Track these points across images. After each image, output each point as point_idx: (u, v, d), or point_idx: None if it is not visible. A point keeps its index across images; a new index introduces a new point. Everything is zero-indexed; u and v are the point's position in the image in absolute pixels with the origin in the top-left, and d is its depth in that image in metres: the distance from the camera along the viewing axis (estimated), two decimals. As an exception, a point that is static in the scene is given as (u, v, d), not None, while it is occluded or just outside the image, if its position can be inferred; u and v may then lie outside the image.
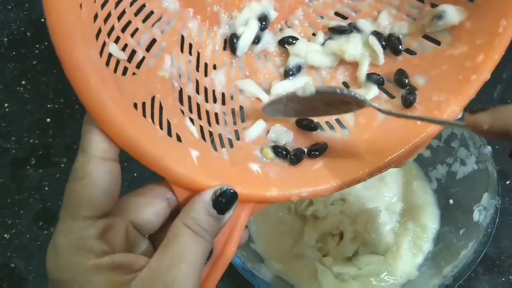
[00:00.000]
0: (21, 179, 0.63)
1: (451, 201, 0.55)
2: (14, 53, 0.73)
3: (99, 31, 0.28)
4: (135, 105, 0.29)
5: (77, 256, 0.26)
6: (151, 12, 0.34)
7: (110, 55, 0.29)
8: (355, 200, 0.56)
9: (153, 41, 0.34)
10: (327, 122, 0.40)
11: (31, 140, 0.66)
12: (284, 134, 0.39)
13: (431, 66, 0.38)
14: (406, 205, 0.57)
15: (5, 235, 0.59)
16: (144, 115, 0.30)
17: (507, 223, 0.59)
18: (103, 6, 0.29)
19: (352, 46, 0.39)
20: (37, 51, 0.73)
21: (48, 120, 0.67)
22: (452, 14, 0.37)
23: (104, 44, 0.29)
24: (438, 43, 0.38)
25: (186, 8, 0.37)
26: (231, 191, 0.29)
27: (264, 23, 0.40)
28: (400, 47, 0.39)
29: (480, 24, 0.36)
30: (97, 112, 0.26)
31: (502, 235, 0.58)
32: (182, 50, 0.37)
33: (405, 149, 0.35)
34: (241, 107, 0.40)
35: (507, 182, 0.61)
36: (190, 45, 0.37)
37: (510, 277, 0.57)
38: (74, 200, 0.26)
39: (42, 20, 0.76)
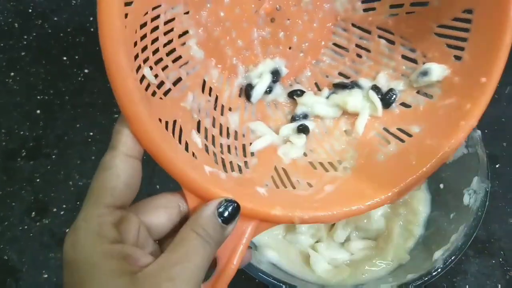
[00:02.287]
0: (12, 171, 0.63)
1: (441, 186, 0.55)
2: (1, 44, 0.72)
3: (137, 55, 0.33)
4: (160, 120, 0.33)
5: (93, 239, 0.28)
6: (180, 56, 0.40)
7: (143, 76, 0.33)
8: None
9: (179, 79, 0.39)
10: (330, 163, 0.43)
11: (22, 132, 0.65)
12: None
13: (424, 116, 0.42)
14: (397, 191, 0.57)
15: (-2, 228, 0.59)
16: (167, 129, 0.34)
17: (497, 207, 0.60)
18: (141, 39, 0.34)
19: (353, 99, 0.44)
20: (25, 42, 0.72)
21: (38, 111, 0.67)
22: (436, 71, 0.42)
23: (139, 66, 0.33)
24: (430, 96, 0.43)
25: (210, 58, 0.43)
26: (235, 203, 0.32)
27: (276, 77, 0.46)
28: (392, 102, 0.44)
29: (466, 79, 0.41)
30: (132, 117, 0.30)
31: (492, 218, 0.59)
32: (203, 91, 0.42)
33: (402, 185, 0.38)
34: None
35: (497, 166, 0.62)
36: (210, 88, 0.42)
37: (500, 259, 0.58)
38: (98, 188, 0.29)
39: (30, 10, 0.75)
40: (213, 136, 0.40)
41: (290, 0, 0.46)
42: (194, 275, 0.28)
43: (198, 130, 0.39)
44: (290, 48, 0.47)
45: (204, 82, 0.42)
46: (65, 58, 0.71)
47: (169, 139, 0.33)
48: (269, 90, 0.46)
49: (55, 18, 0.74)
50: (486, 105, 0.39)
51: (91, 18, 0.74)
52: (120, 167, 0.30)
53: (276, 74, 0.46)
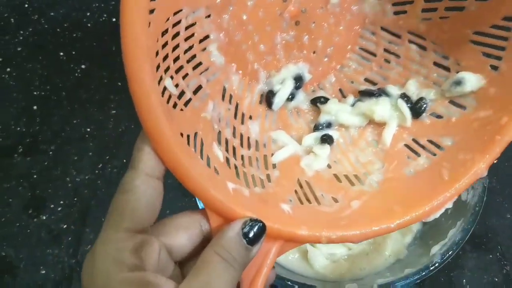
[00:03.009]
0: (9, 168, 0.62)
1: (439, 181, 0.55)
2: (-3, 40, 0.71)
3: (158, 65, 0.31)
4: (181, 135, 0.32)
5: (112, 266, 0.26)
6: (200, 63, 0.38)
7: (165, 88, 0.32)
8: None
9: (199, 87, 0.38)
10: (355, 176, 0.41)
11: (18, 128, 0.65)
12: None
13: (457, 128, 0.40)
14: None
15: (-5, 224, 0.59)
16: (188, 144, 0.32)
17: (495, 202, 0.60)
18: (163, 46, 0.32)
19: (381, 107, 0.42)
20: (21, 38, 0.72)
21: (35, 107, 0.66)
22: (471, 81, 0.39)
23: (161, 78, 0.31)
24: (464, 107, 0.40)
25: (230, 64, 0.42)
26: (261, 223, 0.30)
27: (298, 83, 0.44)
28: (422, 112, 0.41)
29: (503, 90, 0.38)
30: (155, 134, 0.28)
31: (490, 213, 0.59)
32: (223, 99, 0.40)
33: (433, 203, 0.36)
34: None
35: (495, 161, 0.62)
36: (230, 96, 0.41)
37: (497, 254, 0.58)
38: (118, 211, 0.28)
39: (26, 5, 0.74)
40: (234, 148, 0.39)
41: (316, 2, 0.44)
42: None
43: (219, 142, 0.37)
44: (314, 52, 0.45)
45: (224, 89, 0.41)
46: (62, 53, 0.70)
47: (191, 155, 0.32)
48: (291, 97, 0.44)
49: (52, 13, 0.74)
50: None
51: (88, 13, 0.73)
52: (141, 189, 0.28)
53: (299, 80, 0.44)
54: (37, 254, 0.58)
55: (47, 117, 0.66)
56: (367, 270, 0.52)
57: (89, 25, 0.73)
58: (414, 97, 0.42)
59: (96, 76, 0.68)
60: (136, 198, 0.28)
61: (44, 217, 0.60)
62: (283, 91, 0.44)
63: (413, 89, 0.42)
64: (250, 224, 0.30)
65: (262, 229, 0.30)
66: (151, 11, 0.29)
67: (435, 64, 0.43)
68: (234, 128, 0.40)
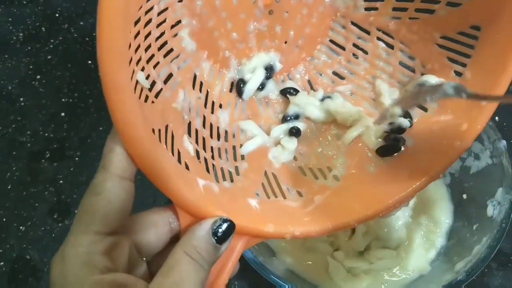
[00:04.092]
0: (36, 172, 0.64)
1: (464, 196, 0.54)
2: (29, 47, 0.73)
3: (131, 59, 0.30)
4: (153, 131, 0.31)
5: (83, 269, 0.26)
6: (171, 49, 0.38)
7: (137, 82, 0.31)
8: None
9: (170, 75, 0.37)
10: (319, 169, 0.42)
11: (46, 134, 0.66)
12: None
13: (418, 130, 0.41)
14: (419, 200, 0.56)
15: (21, 228, 0.60)
16: (160, 140, 0.32)
17: (522, 219, 0.59)
18: (135, 37, 0.31)
19: (347, 112, 0.43)
20: (51, 46, 0.73)
21: (63, 114, 0.68)
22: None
23: (133, 71, 0.31)
24: (425, 110, 0.41)
25: (202, 50, 0.41)
26: (230, 222, 0.31)
27: (269, 72, 0.44)
28: (398, 150, 0.41)
29: None
30: (126, 132, 0.27)
31: (517, 230, 0.57)
32: (193, 87, 0.40)
33: (391, 201, 0.37)
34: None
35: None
36: (201, 84, 0.41)
37: (525, 273, 0.56)
38: (88, 214, 0.28)
39: (57, 15, 0.76)
40: (203, 139, 0.39)
41: None
42: None
43: (189, 134, 0.37)
44: (286, 42, 0.45)
45: (195, 77, 0.40)
46: (90, 61, 0.72)
47: (163, 154, 0.32)
48: (261, 87, 0.44)
49: (81, 23, 0.76)
50: (483, 128, 0.38)
51: (116, 23, 0.75)
52: (112, 192, 0.28)
53: (269, 70, 0.44)
54: (60, 258, 0.59)
55: (74, 123, 0.67)
56: (389, 286, 0.51)
57: (117, 34, 0.74)
58: (386, 99, 0.43)
59: (122, 85, 0.69)
60: (107, 201, 0.28)
61: (69, 222, 0.61)
62: (254, 80, 0.43)
63: (384, 88, 0.43)
64: (220, 223, 0.30)
65: (231, 228, 0.31)
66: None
67: (401, 63, 0.44)
68: (204, 117, 0.40)
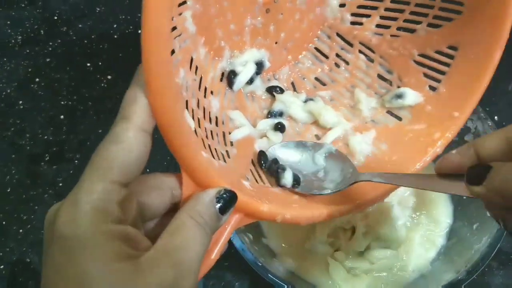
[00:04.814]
0: (36, 175, 0.64)
1: (464, 196, 0.54)
2: (28, 50, 0.73)
3: None
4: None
5: (96, 216, 0.25)
6: (175, 27, 0.38)
7: None
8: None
9: (172, 51, 0.37)
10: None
11: (45, 137, 0.66)
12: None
13: (393, 136, 0.44)
14: (419, 200, 0.56)
15: (21, 230, 0.60)
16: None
17: (522, 218, 0.58)
18: None
19: (328, 114, 0.46)
20: (50, 49, 0.73)
21: (62, 117, 0.68)
22: (411, 96, 0.44)
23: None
24: (399, 118, 0.45)
25: (200, 35, 0.42)
26: (233, 194, 0.31)
27: (259, 69, 0.46)
28: None
29: (439, 109, 0.43)
30: (155, 83, 0.27)
31: (517, 229, 0.57)
32: (190, 69, 0.40)
33: (362, 202, 0.40)
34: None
35: None
36: (196, 67, 0.41)
37: (525, 272, 0.56)
38: (106, 161, 0.27)
39: (55, 17, 0.77)
40: (198, 119, 0.39)
41: None
42: (195, 261, 0.27)
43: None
44: (276, 43, 0.47)
45: (192, 59, 0.41)
46: (88, 64, 0.72)
47: (181, 114, 0.32)
48: (250, 81, 0.46)
49: (80, 25, 0.76)
50: (453, 137, 0.42)
51: (115, 25, 0.75)
52: (133, 142, 0.27)
53: (260, 66, 0.46)
54: (61, 261, 0.59)
55: (73, 126, 0.67)
56: (390, 286, 0.51)
57: (115, 36, 0.74)
58: (364, 108, 0.46)
59: (121, 87, 0.68)
60: (128, 151, 0.27)
61: (69, 225, 0.61)
62: (246, 73, 0.45)
63: (362, 97, 0.46)
64: (224, 193, 0.31)
65: (234, 199, 0.31)
66: None
67: (379, 76, 0.47)
68: (198, 100, 0.40)
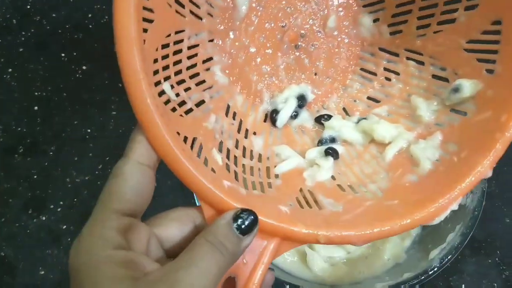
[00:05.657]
0: (9, 168, 0.63)
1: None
2: (0, 40, 0.72)
3: (157, 71, 0.32)
4: (178, 133, 0.32)
5: (96, 243, 0.27)
6: (204, 81, 0.39)
7: (163, 91, 0.32)
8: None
9: (202, 101, 0.38)
10: (359, 186, 0.40)
11: (19, 128, 0.65)
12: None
13: (460, 133, 0.40)
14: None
15: (-5, 224, 0.59)
16: (185, 142, 0.33)
17: (494, 206, 0.60)
18: (163, 58, 0.33)
19: (383, 128, 0.43)
20: (23, 39, 0.72)
21: (36, 108, 0.67)
22: (467, 87, 0.40)
23: (159, 82, 0.32)
24: (464, 113, 0.41)
25: (235, 84, 0.43)
26: (252, 214, 0.30)
27: (302, 101, 0.46)
28: None
29: (501, 91, 0.38)
30: (146, 121, 0.29)
31: (489, 218, 0.59)
32: (227, 115, 0.41)
33: (437, 204, 0.36)
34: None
35: (494, 166, 0.62)
36: (234, 113, 0.42)
37: (496, 259, 0.58)
38: (106, 194, 0.29)
39: (28, 6, 0.75)
40: (235, 157, 0.39)
41: (314, 26, 0.46)
42: (199, 280, 0.26)
43: (220, 150, 0.37)
44: (316, 74, 0.47)
45: (228, 106, 0.42)
46: (63, 54, 0.71)
47: (187, 150, 0.32)
48: (295, 115, 0.45)
49: (54, 15, 0.74)
50: None
51: (90, 15, 0.74)
52: (129, 173, 0.29)
53: (301, 99, 0.46)
54: (36, 254, 0.58)
55: (48, 117, 0.66)
56: (366, 274, 0.52)
57: (90, 26, 0.73)
58: (426, 117, 0.42)
59: (97, 78, 0.68)
60: (123, 182, 0.29)
61: (44, 218, 0.60)
62: (287, 108, 0.45)
63: (419, 102, 0.43)
64: (241, 214, 0.30)
65: (254, 220, 0.30)
66: (149, 20, 0.30)
67: (434, 76, 0.44)
68: (237, 140, 0.40)
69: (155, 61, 0.32)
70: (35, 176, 0.62)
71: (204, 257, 0.27)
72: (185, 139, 0.33)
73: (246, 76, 0.44)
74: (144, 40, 0.29)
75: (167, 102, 0.33)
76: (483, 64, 0.40)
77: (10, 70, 0.69)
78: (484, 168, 0.36)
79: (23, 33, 0.72)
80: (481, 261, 0.57)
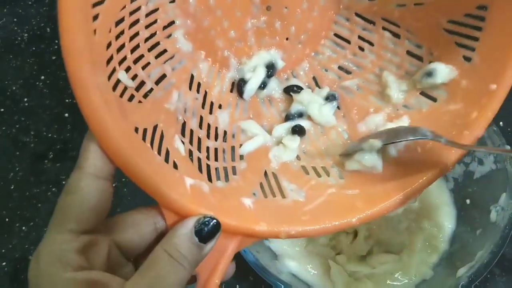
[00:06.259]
0: (39, 173, 0.64)
1: (468, 201, 0.54)
2: (33, 48, 0.74)
3: (111, 57, 0.30)
4: (136, 130, 0.31)
5: (55, 267, 0.26)
6: (165, 50, 0.37)
7: (118, 80, 0.31)
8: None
9: (163, 76, 0.36)
10: (323, 167, 0.40)
11: (50, 135, 0.67)
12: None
13: (427, 121, 0.39)
14: (421, 204, 0.56)
15: (23, 228, 0.60)
16: (144, 139, 0.31)
17: (526, 224, 0.58)
18: (117, 37, 0.31)
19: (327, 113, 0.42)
20: (56, 47, 0.74)
21: (66, 115, 0.68)
22: (443, 72, 0.39)
23: (114, 70, 0.30)
24: (434, 99, 0.40)
25: (199, 51, 0.40)
26: (215, 221, 0.30)
27: (271, 70, 0.43)
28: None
29: (475, 83, 0.37)
30: (97, 130, 0.27)
31: (520, 236, 0.57)
32: (190, 88, 0.39)
33: (396, 198, 0.36)
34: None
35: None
36: (199, 84, 0.39)
37: (528, 279, 0.56)
38: (62, 213, 0.28)
39: (62, 16, 0.77)
40: (199, 139, 0.37)
41: None
42: None
43: (183, 134, 0.36)
44: (287, 39, 0.44)
45: (192, 77, 0.39)
46: (94, 63, 0.72)
47: (145, 152, 0.31)
48: (263, 85, 0.43)
49: (86, 24, 0.76)
50: (494, 115, 0.36)
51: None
52: (86, 191, 0.27)
53: (271, 68, 0.43)
54: (63, 259, 0.59)
55: (77, 124, 0.67)
56: (391, 290, 0.51)
57: (121, 35, 0.74)
58: (395, 93, 0.41)
59: (126, 86, 0.69)
60: (80, 200, 0.27)
61: (71, 223, 0.61)
62: (255, 79, 0.42)
63: (390, 81, 0.41)
64: (203, 221, 0.29)
65: (216, 226, 0.30)
66: (99, 3, 0.28)
67: (408, 53, 0.42)
68: (201, 118, 0.38)
69: (109, 45, 0.30)
70: (63, 182, 0.63)
71: (166, 275, 0.27)
72: (145, 132, 0.31)
73: (212, 42, 0.40)
74: (95, 30, 0.28)
75: (124, 92, 0.31)
76: (461, 50, 0.39)
77: (42, 77, 0.71)
78: (446, 166, 0.36)
79: (56, 41, 0.74)
80: (511, 281, 0.56)
